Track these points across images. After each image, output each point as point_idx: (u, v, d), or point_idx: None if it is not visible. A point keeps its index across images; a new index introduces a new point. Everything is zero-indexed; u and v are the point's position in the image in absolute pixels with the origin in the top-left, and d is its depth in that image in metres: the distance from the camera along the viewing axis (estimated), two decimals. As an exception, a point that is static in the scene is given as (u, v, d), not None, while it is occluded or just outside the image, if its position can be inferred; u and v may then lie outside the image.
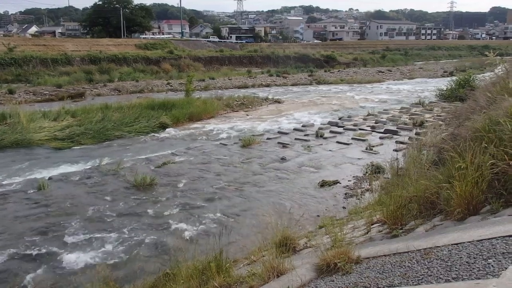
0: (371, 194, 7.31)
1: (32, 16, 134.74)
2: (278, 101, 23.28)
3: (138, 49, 44.74)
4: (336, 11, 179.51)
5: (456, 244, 2.51)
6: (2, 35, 60.81)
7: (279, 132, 14.95)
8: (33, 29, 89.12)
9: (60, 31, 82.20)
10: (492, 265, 2.10)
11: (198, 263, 4.09)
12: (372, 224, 4.42)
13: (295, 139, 13.77)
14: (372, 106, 20.90)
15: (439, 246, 2.58)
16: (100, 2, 63.94)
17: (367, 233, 4.26)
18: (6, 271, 5.82)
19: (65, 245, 6.53)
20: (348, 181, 9.30)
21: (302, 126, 15.93)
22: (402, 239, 3.30)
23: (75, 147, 13.04)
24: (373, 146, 12.31)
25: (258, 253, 4.68)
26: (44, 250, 6.39)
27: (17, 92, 25.25)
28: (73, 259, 6.12)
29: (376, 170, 9.37)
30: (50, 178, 9.87)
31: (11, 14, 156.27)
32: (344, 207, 7.54)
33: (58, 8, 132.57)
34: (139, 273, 5.72)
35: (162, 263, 5.72)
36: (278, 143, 13.30)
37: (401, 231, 3.63)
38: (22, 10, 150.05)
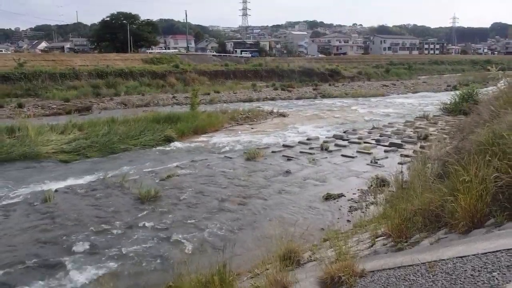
0: (376, 207, 7.26)
1: (42, 32, 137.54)
2: (283, 115, 23.34)
3: (144, 63, 45.34)
4: (340, 26, 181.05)
5: (461, 257, 2.50)
6: (13, 51, 62.08)
7: (283, 146, 14.95)
8: (43, 44, 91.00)
9: (68, 46, 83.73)
10: (496, 278, 2.09)
11: (201, 276, 4.07)
12: (376, 237, 4.39)
13: (300, 152, 13.75)
14: (377, 119, 20.89)
15: (443, 259, 2.56)
16: (108, 18, 65.25)
17: (371, 246, 4.23)
18: (10, 282, 5.81)
19: (69, 257, 6.53)
20: (353, 194, 9.24)
21: (307, 139, 15.92)
22: (406, 252, 3.28)
23: (81, 160, 13.12)
24: (378, 159, 12.28)
25: (261, 266, 4.65)
26: (48, 262, 6.38)
27: (26, 106, 25.62)
28: (77, 271, 6.11)
29: (381, 183, 9.32)
30: (56, 191, 9.91)
31: (22, 30, 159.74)
32: (348, 220, 7.48)
33: (67, 24, 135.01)
34: (142, 286, 5.70)
35: (165, 276, 5.69)
36: (283, 156, 13.29)
37: (405, 244, 3.60)
38: (33, 27, 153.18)
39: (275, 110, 24.28)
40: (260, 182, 10.48)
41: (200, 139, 16.66)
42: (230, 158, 13.31)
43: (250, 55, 68.33)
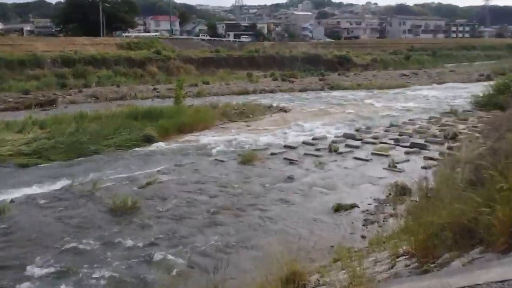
0: (396, 220, 7.25)
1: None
2: (284, 110, 23.44)
3: (120, 49, 45.31)
4: (351, 5, 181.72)
5: (501, 281, 2.46)
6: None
7: (285, 146, 15.01)
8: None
9: (28, 28, 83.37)
10: (546, 308, 2.05)
11: (188, 304, 4.04)
12: (397, 257, 4.37)
13: (304, 154, 13.80)
14: (395, 115, 20.96)
15: (480, 284, 2.53)
16: (76, -5, 65.00)
17: (391, 267, 4.21)
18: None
19: (28, 281, 6.45)
20: (368, 204, 9.27)
21: (313, 139, 16.00)
22: (434, 275, 3.25)
23: (43, 164, 13.07)
24: (397, 163, 12.31)
25: (260, 292, 4.62)
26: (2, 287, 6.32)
27: (-24, 100, 25.54)
28: (38, 298, 6.05)
29: (401, 191, 9.34)
30: (12, 201, 9.85)
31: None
32: (363, 236, 7.49)
33: (27, 2, 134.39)
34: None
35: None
36: (284, 159, 13.34)
37: (433, 265, 3.58)
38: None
39: (274, 104, 24.38)
40: (258, 190, 10.50)
41: (186, 139, 16.68)
42: (222, 161, 13.34)
43: (249, 39, 68.30)
